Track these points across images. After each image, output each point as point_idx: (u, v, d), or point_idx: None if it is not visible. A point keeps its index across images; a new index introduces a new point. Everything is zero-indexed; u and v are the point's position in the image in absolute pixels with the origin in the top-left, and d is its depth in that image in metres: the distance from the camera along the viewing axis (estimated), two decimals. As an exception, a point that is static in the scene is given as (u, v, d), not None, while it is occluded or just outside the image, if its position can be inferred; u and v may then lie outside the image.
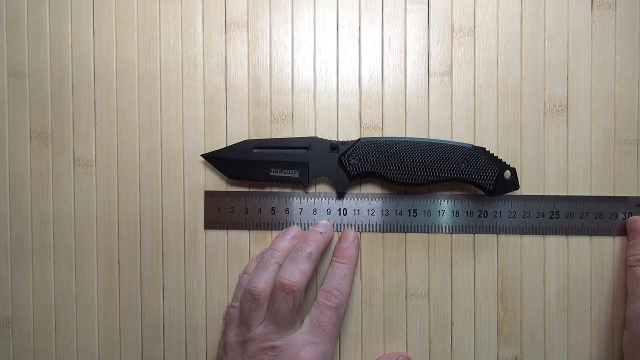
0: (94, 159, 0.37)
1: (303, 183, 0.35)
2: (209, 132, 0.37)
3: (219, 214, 0.36)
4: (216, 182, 0.37)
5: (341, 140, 0.36)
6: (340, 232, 0.36)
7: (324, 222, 0.35)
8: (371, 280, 0.36)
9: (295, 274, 0.31)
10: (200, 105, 0.37)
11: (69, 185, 0.37)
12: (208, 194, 0.36)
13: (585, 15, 0.36)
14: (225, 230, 0.36)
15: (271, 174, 0.35)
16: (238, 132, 0.36)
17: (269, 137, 0.36)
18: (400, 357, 0.34)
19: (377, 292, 0.36)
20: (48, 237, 0.37)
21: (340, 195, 0.35)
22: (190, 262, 0.36)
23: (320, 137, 0.35)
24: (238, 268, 0.36)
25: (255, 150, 0.35)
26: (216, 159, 0.36)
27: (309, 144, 0.35)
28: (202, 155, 0.36)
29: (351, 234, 0.35)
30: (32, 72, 0.37)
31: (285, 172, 0.35)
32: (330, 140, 0.35)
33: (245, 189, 0.36)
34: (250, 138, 0.36)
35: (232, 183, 0.36)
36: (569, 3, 0.36)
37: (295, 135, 0.36)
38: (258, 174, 0.35)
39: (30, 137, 0.37)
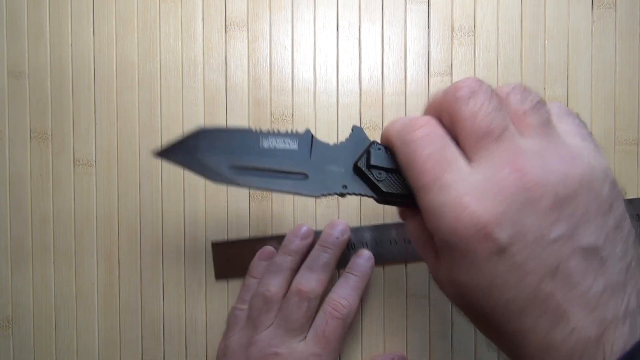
0: (94, 159, 0.37)
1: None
2: (209, 132, 0.36)
3: (228, 262, 0.36)
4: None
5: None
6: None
7: (341, 221, 0.34)
8: (371, 280, 0.36)
9: (312, 282, 0.31)
10: (200, 105, 0.37)
11: (69, 185, 0.37)
12: (215, 246, 0.36)
13: (585, 15, 0.36)
14: (225, 231, 0.36)
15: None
16: (238, 132, 0.36)
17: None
18: (396, 357, 0.34)
19: (377, 292, 0.36)
20: (48, 237, 0.37)
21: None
22: (190, 262, 0.36)
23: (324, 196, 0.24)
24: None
25: (233, 171, 0.24)
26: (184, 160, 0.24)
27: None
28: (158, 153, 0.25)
29: (367, 252, 0.34)
30: (32, 72, 0.37)
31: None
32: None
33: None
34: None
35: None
36: (569, 3, 0.36)
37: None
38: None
39: (30, 137, 0.37)
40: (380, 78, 0.36)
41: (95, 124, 0.37)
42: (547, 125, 0.19)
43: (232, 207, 0.36)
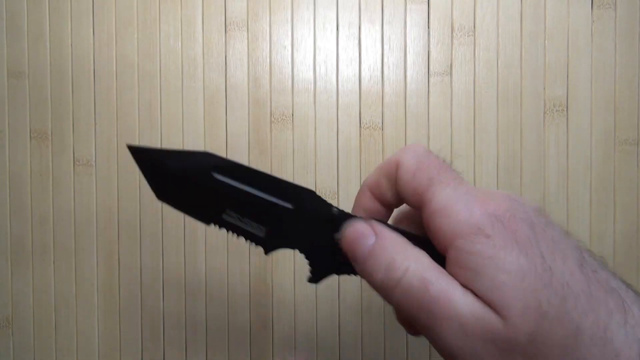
0: (93, 158, 0.37)
1: (265, 248, 0.22)
2: (209, 132, 0.37)
3: None
4: (216, 182, 0.37)
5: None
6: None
7: None
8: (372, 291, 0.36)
9: None
10: (200, 105, 0.37)
11: (69, 185, 0.37)
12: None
13: (585, 15, 0.36)
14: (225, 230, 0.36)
15: (224, 216, 0.23)
16: (238, 132, 0.36)
17: (250, 163, 0.28)
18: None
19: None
20: (48, 237, 0.37)
21: (314, 280, 0.22)
22: (190, 262, 0.36)
23: (322, 195, 0.23)
24: (238, 267, 0.36)
25: (216, 175, 0.22)
26: (148, 162, 0.23)
27: (298, 200, 0.21)
28: (128, 146, 0.22)
29: None
30: (32, 72, 0.37)
31: (245, 223, 0.23)
32: (332, 205, 0.21)
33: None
34: (250, 140, 0.36)
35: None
36: (569, 3, 0.36)
37: (295, 137, 0.36)
38: (204, 209, 0.23)
39: (30, 137, 0.37)
40: (380, 78, 0.36)
41: (95, 124, 0.37)
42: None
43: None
